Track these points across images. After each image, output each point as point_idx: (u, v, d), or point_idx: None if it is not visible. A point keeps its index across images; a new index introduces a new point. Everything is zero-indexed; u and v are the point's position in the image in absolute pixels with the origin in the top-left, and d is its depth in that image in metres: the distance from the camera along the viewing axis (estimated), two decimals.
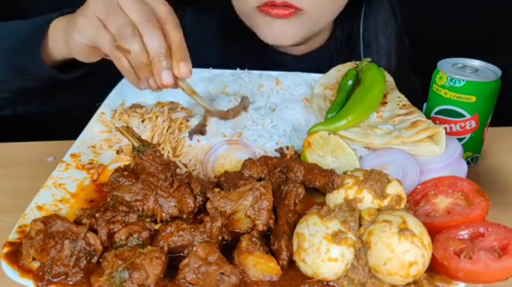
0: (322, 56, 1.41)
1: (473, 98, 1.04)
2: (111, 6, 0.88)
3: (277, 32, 1.24)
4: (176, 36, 0.92)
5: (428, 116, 1.10)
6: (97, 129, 1.09)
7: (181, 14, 1.43)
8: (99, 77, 1.17)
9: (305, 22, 1.25)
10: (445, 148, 0.96)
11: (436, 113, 1.10)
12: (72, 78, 1.10)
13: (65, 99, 1.29)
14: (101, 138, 1.07)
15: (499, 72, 1.07)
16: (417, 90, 1.39)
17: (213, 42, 1.44)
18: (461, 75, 1.05)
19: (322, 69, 1.27)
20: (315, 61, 1.40)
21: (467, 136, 1.09)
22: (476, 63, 1.11)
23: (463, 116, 1.07)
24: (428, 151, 0.96)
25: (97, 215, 0.80)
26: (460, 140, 1.06)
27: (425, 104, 1.13)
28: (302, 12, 1.21)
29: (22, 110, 1.30)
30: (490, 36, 1.89)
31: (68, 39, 0.98)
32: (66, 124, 1.11)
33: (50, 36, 1.05)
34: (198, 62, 1.38)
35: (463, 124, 1.08)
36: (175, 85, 0.94)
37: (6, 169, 1.12)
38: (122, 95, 1.18)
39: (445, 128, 1.07)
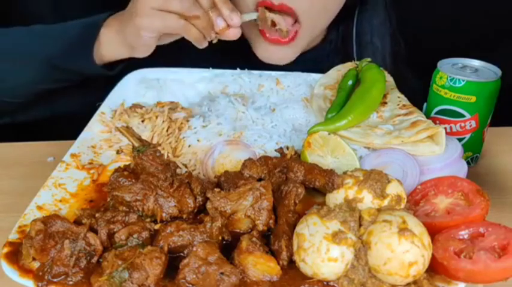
0: (318, 57, 1.41)
1: (473, 98, 1.04)
2: None
3: (274, 56, 1.26)
4: None
5: (428, 116, 1.10)
6: (97, 129, 1.09)
7: None
8: (100, 78, 1.19)
9: (299, 41, 1.25)
10: (445, 148, 0.95)
11: (436, 113, 1.10)
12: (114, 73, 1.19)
13: (66, 102, 1.31)
14: (101, 138, 1.06)
15: (499, 72, 1.07)
16: (416, 90, 1.39)
17: (210, 45, 1.44)
18: (461, 75, 1.05)
19: (317, 70, 1.27)
20: (310, 62, 1.40)
21: (467, 136, 1.09)
22: (476, 63, 1.10)
23: (463, 116, 1.07)
24: (428, 151, 0.96)
25: (97, 215, 0.80)
26: (460, 140, 1.06)
27: (425, 104, 1.13)
28: (297, 23, 1.21)
29: (21, 118, 1.32)
30: (490, 36, 1.89)
31: (131, 40, 1.07)
32: (66, 124, 1.11)
33: (102, 40, 1.11)
34: (195, 64, 1.39)
35: (463, 124, 1.08)
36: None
37: (6, 169, 1.11)
38: (122, 95, 1.18)
39: (445, 128, 1.07)
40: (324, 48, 1.43)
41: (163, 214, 0.82)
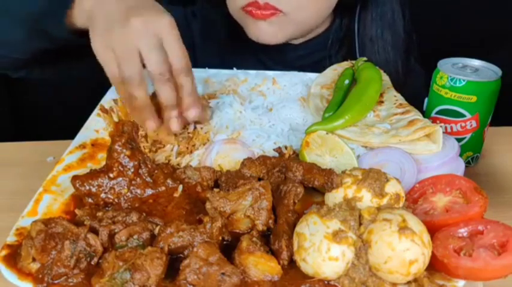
0: (322, 43, 1.42)
1: (473, 98, 1.05)
2: (130, 48, 0.89)
3: (261, 31, 1.28)
4: (187, 84, 0.95)
5: (428, 116, 1.10)
6: (95, 129, 1.08)
7: (190, 12, 1.46)
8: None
9: (287, 23, 1.27)
10: (442, 146, 0.96)
11: (437, 113, 1.10)
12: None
13: (79, 65, 1.27)
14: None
15: (499, 72, 1.07)
16: (424, 85, 1.39)
17: (219, 36, 1.48)
18: (462, 75, 1.05)
19: (325, 58, 1.32)
20: (315, 46, 1.42)
21: (468, 136, 1.09)
22: (476, 63, 1.11)
23: (464, 116, 1.07)
24: (425, 150, 0.96)
25: (98, 214, 0.80)
26: (460, 140, 1.06)
27: (426, 99, 1.13)
28: (283, 14, 1.23)
29: (37, 73, 1.25)
30: (490, 36, 1.89)
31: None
32: (66, 124, 1.11)
33: (76, 7, 1.01)
34: (204, 55, 1.42)
35: (463, 124, 1.08)
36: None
37: (6, 168, 1.11)
38: None
39: (446, 128, 1.07)
40: (327, 36, 1.43)
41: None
